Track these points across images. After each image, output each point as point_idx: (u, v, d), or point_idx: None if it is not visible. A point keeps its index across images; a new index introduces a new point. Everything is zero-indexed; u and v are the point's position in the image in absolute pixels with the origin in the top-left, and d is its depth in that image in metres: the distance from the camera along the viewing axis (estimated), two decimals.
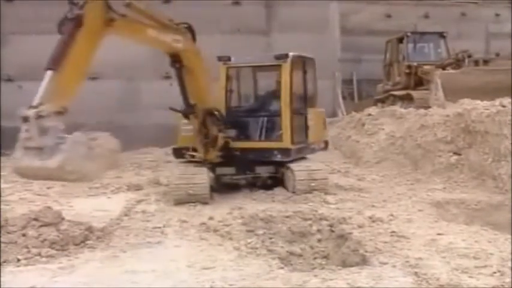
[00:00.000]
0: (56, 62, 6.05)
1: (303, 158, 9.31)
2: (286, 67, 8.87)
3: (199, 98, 8.48)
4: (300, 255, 5.64)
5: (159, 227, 6.77)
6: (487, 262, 5.11)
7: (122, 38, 7.22)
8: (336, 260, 5.42)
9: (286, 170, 8.97)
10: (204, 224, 6.80)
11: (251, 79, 10.23)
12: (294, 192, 8.59)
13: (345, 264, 5.22)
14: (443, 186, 9.54)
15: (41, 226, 5.92)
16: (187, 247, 5.93)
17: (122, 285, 4.76)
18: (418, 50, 17.19)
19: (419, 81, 15.98)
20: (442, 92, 13.13)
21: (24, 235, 5.77)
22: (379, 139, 12.68)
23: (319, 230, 6.30)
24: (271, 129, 9.07)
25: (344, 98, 19.19)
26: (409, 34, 17.04)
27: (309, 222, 6.63)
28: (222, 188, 9.10)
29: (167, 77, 8.42)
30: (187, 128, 8.95)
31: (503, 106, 9.61)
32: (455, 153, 10.51)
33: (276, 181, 9.20)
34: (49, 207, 6.45)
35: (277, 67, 9.02)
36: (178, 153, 9.28)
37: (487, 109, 9.87)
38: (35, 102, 5.77)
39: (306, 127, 9.29)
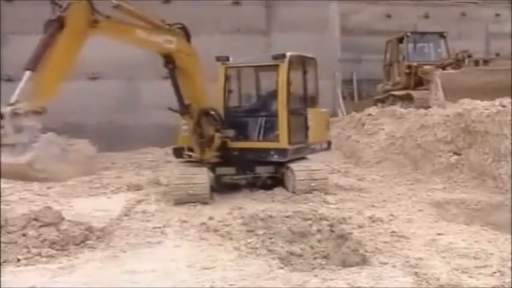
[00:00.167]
0: (34, 63, 6.07)
1: (303, 158, 9.30)
2: (283, 67, 8.87)
3: (194, 98, 8.50)
4: (300, 255, 5.64)
5: (159, 227, 6.77)
6: (487, 262, 5.11)
7: (108, 38, 7.25)
8: (336, 260, 5.42)
9: (286, 170, 8.97)
10: (204, 224, 6.80)
11: (250, 79, 10.23)
12: (294, 192, 8.59)
13: (345, 264, 5.22)
14: (443, 186, 9.54)
15: (41, 226, 5.92)
16: (187, 247, 5.93)
17: (122, 285, 4.76)
18: (418, 50, 17.19)
19: (419, 81, 15.97)
20: (442, 92, 13.13)
21: (24, 235, 5.77)
22: (379, 139, 12.68)
23: (319, 230, 6.30)
24: (268, 129, 9.07)
25: (344, 98, 19.18)
26: (409, 34, 17.04)
27: (309, 222, 6.63)
28: (222, 188, 9.10)
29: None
30: (187, 128, 8.95)
31: (503, 106, 9.60)
32: (455, 153, 10.51)
33: (276, 181, 9.20)
34: (49, 207, 6.46)
35: (275, 67, 9.02)
36: (179, 153, 9.29)
37: (487, 109, 9.87)
38: (12, 100, 5.80)
39: (306, 127, 9.28)
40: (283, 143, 8.77)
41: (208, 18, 16.73)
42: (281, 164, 9.03)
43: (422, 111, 12.48)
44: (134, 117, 16.75)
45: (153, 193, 9.17)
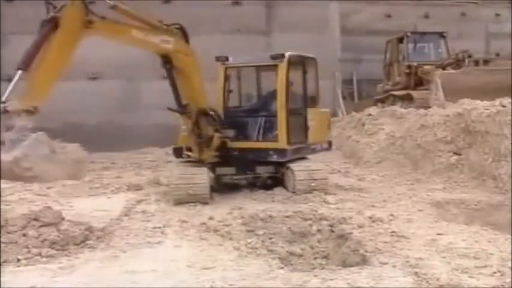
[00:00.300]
0: (26, 62, 6.09)
1: (303, 158, 9.30)
2: (282, 67, 8.86)
3: (192, 98, 8.51)
4: (300, 255, 5.63)
5: (159, 227, 6.77)
6: (487, 262, 5.11)
7: (104, 39, 7.28)
8: (336, 260, 5.42)
9: (286, 170, 8.97)
10: (204, 224, 6.80)
11: (249, 79, 10.22)
12: (294, 192, 8.59)
13: (345, 264, 5.22)
14: (443, 186, 9.54)
15: (41, 226, 5.92)
16: (187, 247, 5.93)
17: (122, 285, 4.76)
18: (418, 50, 17.19)
19: (419, 81, 15.97)
20: (442, 92, 13.13)
21: (24, 235, 5.77)
22: (379, 139, 12.68)
23: (319, 230, 6.30)
24: (268, 129, 9.07)
25: (344, 98, 19.19)
26: (409, 34, 17.04)
27: (309, 222, 6.63)
28: (222, 188, 9.10)
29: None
30: (186, 128, 8.96)
31: (503, 106, 9.60)
32: (455, 153, 10.51)
33: (276, 181, 9.20)
34: (49, 207, 6.46)
35: (274, 67, 9.01)
36: (179, 152, 9.31)
37: (487, 109, 9.87)
38: (3, 98, 5.83)
39: (306, 127, 9.27)
40: (282, 143, 8.77)
41: (208, 18, 16.74)
42: (281, 164, 9.03)
43: (422, 111, 12.48)
44: (134, 117, 16.76)
45: (153, 193, 9.17)
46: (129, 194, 9.21)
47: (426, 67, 15.62)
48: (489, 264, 5.03)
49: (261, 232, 6.31)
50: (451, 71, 14.54)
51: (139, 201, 8.49)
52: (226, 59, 9.45)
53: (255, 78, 10.17)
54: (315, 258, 5.58)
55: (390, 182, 10.18)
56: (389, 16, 22.03)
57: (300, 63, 9.34)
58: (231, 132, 9.01)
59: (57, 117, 15.14)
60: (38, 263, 5.37)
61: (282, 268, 5.15)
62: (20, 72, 6.03)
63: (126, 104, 17.04)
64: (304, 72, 9.36)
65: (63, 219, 6.24)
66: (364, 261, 5.24)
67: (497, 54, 18.10)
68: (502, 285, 4.54)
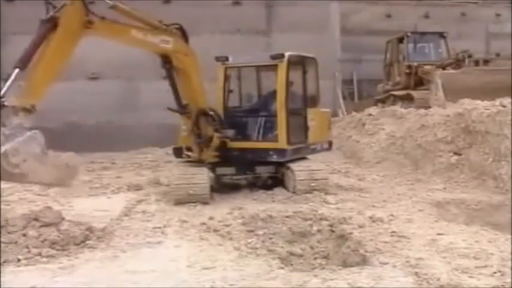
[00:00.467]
0: (24, 61, 6.10)
1: (303, 158, 9.30)
2: (282, 67, 8.86)
3: (192, 98, 8.52)
4: (300, 255, 5.63)
5: (159, 227, 6.76)
6: (487, 262, 5.10)
7: (103, 39, 7.29)
8: (336, 260, 5.41)
9: (286, 170, 8.97)
10: (204, 224, 6.80)
11: (249, 79, 10.22)
12: (294, 192, 8.58)
13: (345, 264, 5.21)
14: (443, 186, 9.54)
15: (42, 226, 5.92)
16: (187, 247, 5.92)
17: (122, 285, 4.76)
18: (419, 50, 17.19)
19: (419, 81, 15.97)
20: (443, 92, 13.13)
21: (24, 235, 5.76)
22: (379, 139, 12.68)
23: (319, 230, 6.29)
24: (268, 129, 9.07)
25: (344, 98, 19.17)
26: (409, 34, 17.04)
27: (309, 222, 6.62)
28: (222, 188, 9.11)
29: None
30: (186, 128, 8.96)
31: (504, 106, 9.61)
32: (455, 153, 10.51)
33: (276, 181, 9.20)
34: (49, 207, 6.46)
35: (274, 67, 9.01)
36: (179, 152, 9.31)
37: (488, 109, 9.87)
38: (1, 93, 5.87)
39: (306, 127, 9.27)
40: (282, 143, 8.76)
41: (208, 18, 16.74)
42: (281, 164, 9.03)
43: (422, 111, 12.48)
44: (134, 117, 16.76)
45: (153, 193, 9.17)
46: (129, 194, 9.21)
47: (426, 67, 15.62)
48: (489, 264, 5.02)
49: (261, 232, 6.31)
50: (452, 71, 14.54)
51: (139, 201, 8.49)
52: (226, 59, 9.45)
53: (255, 78, 10.17)
54: (315, 258, 5.57)
55: (390, 182, 10.17)
56: (389, 16, 22.03)
57: (300, 63, 9.34)
58: (231, 132, 9.01)
59: (57, 117, 15.17)
60: (38, 263, 5.37)
61: (282, 268, 5.14)
62: (17, 70, 6.03)
63: (126, 104, 17.04)
64: (304, 72, 9.35)
65: (63, 219, 6.23)
66: (364, 261, 5.23)
67: (498, 55, 18.09)
68: (502, 285, 4.53)
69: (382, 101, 17.03)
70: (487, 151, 9.53)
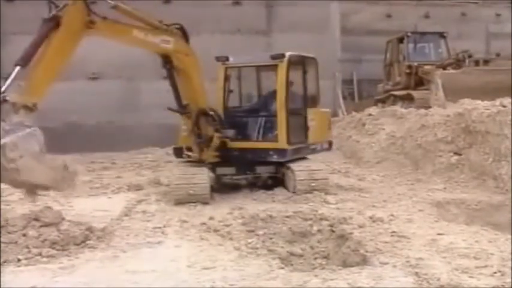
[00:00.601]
0: (25, 59, 6.10)
1: (304, 158, 9.30)
2: (282, 67, 8.86)
3: (192, 98, 8.52)
4: (301, 256, 5.63)
5: (160, 227, 6.76)
6: (487, 262, 5.10)
7: (105, 39, 7.30)
8: (337, 260, 5.41)
9: (286, 170, 8.96)
10: (204, 224, 6.80)
11: (249, 79, 10.22)
12: (294, 192, 8.58)
13: (345, 264, 5.21)
14: (443, 186, 9.54)
15: (42, 226, 5.92)
16: (187, 247, 5.92)
17: (122, 285, 4.76)
18: (419, 50, 17.20)
19: (419, 81, 15.97)
20: (443, 92, 13.13)
21: (24, 235, 5.76)
22: (379, 139, 12.68)
23: (319, 230, 6.29)
24: (268, 129, 9.07)
25: (344, 98, 19.18)
26: (409, 34, 17.05)
27: (310, 222, 6.62)
28: (222, 188, 9.11)
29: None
30: (187, 128, 8.96)
31: (504, 106, 9.61)
32: (455, 153, 10.51)
33: (277, 181, 9.20)
34: (49, 207, 6.45)
35: (274, 67, 9.01)
36: (179, 152, 9.31)
37: (488, 109, 9.87)
38: (2, 89, 5.88)
39: (306, 127, 9.27)
40: (282, 143, 8.76)
41: (209, 18, 16.74)
42: (281, 164, 9.03)
43: (422, 111, 12.48)
44: (134, 117, 16.76)
45: (154, 193, 9.17)
46: (130, 194, 9.21)
47: (426, 67, 15.62)
48: (489, 264, 5.02)
49: (261, 232, 6.31)
50: (452, 71, 14.54)
51: (139, 201, 8.49)
52: (227, 59, 9.45)
53: (255, 78, 10.16)
54: (315, 258, 5.57)
55: (391, 182, 10.17)
56: (389, 16, 22.03)
57: (300, 63, 9.34)
58: (231, 132, 9.01)
59: (57, 117, 15.16)
60: (38, 263, 5.37)
61: (282, 268, 5.14)
62: (18, 68, 6.04)
63: (127, 104, 17.05)
64: (305, 72, 9.35)
65: (63, 219, 6.23)
66: (364, 261, 5.23)
67: (498, 55, 18.10)
68: (503, 285, 4.53)
69: (382, 101, 17.03)
70: (487, 151, 9.53)
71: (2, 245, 5.56)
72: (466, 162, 10.11)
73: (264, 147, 8.90)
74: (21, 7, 15.72)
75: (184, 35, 8.24)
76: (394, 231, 6.29)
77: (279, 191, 8.82)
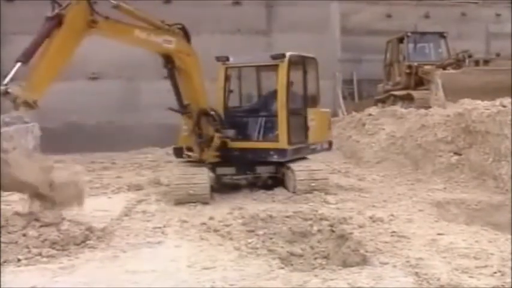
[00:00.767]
0: (26, 56, 6.11)
1: (304, 158, 9.30)
2: (283, 67, 8.86)
3: (193, 98, 8.53)
4: (301, 256, 5.64)
5: (160, 227, 6.76)
6: (487, 262, 5.10)
7: (107, 38, 7.31)
8: (337, 260, 5.42)
9: (286, 170, 8.97)
10: (204, 224, 6.80)
11: (250, 79, 10.22)
12: (294, 192, 8.58)
13: (345, 264, 5.21)
14: (443, 186, 9.54)
15: (42, 226, 5.91)
16: (187, 247, 5.92)
17: (122, 285, 4.76)
18: (419, 50, 17.19)
19: (419, 81, 15.97)
20: (443, 92, 13.13)
21: (24, 235, 5.75)
22: (379, 139, 12.68)
23: (319, 230, 6.30)
24: (268, 129, 9.07)
25: (344, 98, 19.18)
26: (409, 34, 17.04)
27: (310, 222, 6.63)
28: (222, 188, 9.11)
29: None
30: (187, 128, 8.96)
31: (504, 106, 9.61)
32: (455, 153, 10.51)
33: (277, 181, 9.20)
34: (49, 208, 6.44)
35: (275, 67, 9.01)
36: (179, 152, 9.31)
37: (488, 109, 9.87)
38: (4, 82, 5.88)
39: (306, 127, 9.27)
40: (282, 143, 8.76)
41: (209, 18, 16.74)
42: (281, 164, 9.03)
43: (422, 111, 12.48)
44: (134, 117, 16.76)
45: (154, 193, 9.17)
46: (130, 194, 9.21)
47: (426, 67, 15.62)
48: (489, 264, 5.02)
49: (261, 232, 6.32)
50: (452, 71, 14.53)
51: (139, 201, 8.49)
52: (227, 59, 9.46)
53: (256, 78, 10.17)
54: (316, 258, 5.58)
55: (391, 182, 10.17)
56: (389, 16, 22.02)
57: (301, 63, 9.34)
58: (231, 132, 9.01)
59: (57, 117, 15.17)
60: (38, 263, 5.36)
61: (282, 268, 5.15)
62: (19, 64, 6.05)
63: (127, 104, 17.05)
64: (305, 72, 9.35)
65: (63, 219, 6.22)
66: (364, 261, 5.24)
67: (498, 55, 18.11)
68: (503, 286, 4.53)
69: (382, 101, 17.03)
70: (487, 151, 9.53)
71: (2, 245, 5.55)
72: (466, 162, 10.11)
73: (265, 147, 8.90)
74: (21, 7, 15.72)
75: (186, 35, 8.25)
76: (394, 231, 6.29)
77: (279, 191, 8.82)
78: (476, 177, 9.59)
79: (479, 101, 10.76)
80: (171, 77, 8.26)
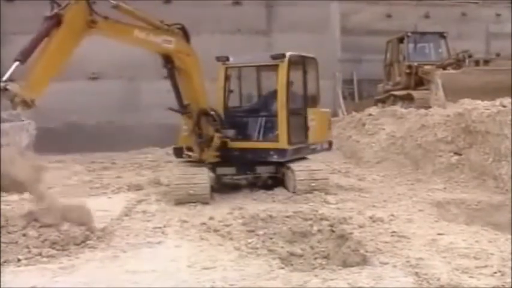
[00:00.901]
0: (24, 55, 6.11)
1: (304, 158, 9.30)
2: (283, 67, 8.86)
3: (193, 98, 8.53)
4: (301, 256, 5.63)
5: (160, 227, 6.77)
6: (487, 262, 5.11)
7: (106, 38, 7.32)
8: (337, 260, 5.41)
9: (286, 170, 8.97)
10: (204, 224, 6.80)
11: (250, 79, 10.22)
12: (294, 192, 8.58)
13: (345, 264, 5.21)
14: (443, 186, 9.54)
15: (42, 226, 5.91)
16: (187, 247, 5.92)
17: (122, 285, 4.76)
18: (419, 50, 17.19)
19: (419, 81, 15.96)
20: (443, 92, 13.12)
21: (24, 235, 5.76)
22: (379, 139, 12.68)
23: (319, 230, 6.29)
24: (268, 129, 9.07)
25: (344, 98, 19.18)
26: (409, 34, 17.03)
27: (310, 222, 6.63)
28: (222, 188, 9.11)
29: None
30: (187, 128, 8.96)
31: (504, 106, 9.61)
32: (455, 153, 10.51)
33: (277, 181, 9.20)
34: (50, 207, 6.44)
35: (275, 67, 9.01)
36: (179, 152, 9.31)
37: (488, 109, 9.87)
38: (3, 78, 5.90)
39: (306, 127, 9.27)
40: (282, 143, 8.77)
41: (209, 18, 16.75)
42: (281, 164, 9.03)
43: (422, 111, 12.48)
44: (135, 117, 16.77)
45: (154, 193, 9.17)
46: (130, 194, 9.21)
47: (426, 67, 15.61)
48: (489, 264, 5.03)
49: (261, 232, 6.32)
50: (452, 71, 14.53)
51: (139, 201, 8.49)
52: (227, 59, 9.46)
53: (256, 78, 10.16)
54: (316, 258, 5.58)
55: (391, 182, 10.17)
56: (389, 16, 22.02)
57: (301, 63, 9.34)
58: (231, 132, 9.01)
59: (57, 117, 15.19)
60: (38, 263, 5.37)
61: (282, 268, 5.15)
62: (17, 63, 6.05)
63: (127, 104, 17.05)
64: (305, 72, 9.35)
65: (63, 219, 6.23)
66: (364, 261, 5.23)
67: (498, 55, 18.10)
68: (503, 285, 4.54)
69: (382, 101, 17.02)
70: (487, 151, 9.53)
71: (2, 245, 5.55)
72: (466, 162, 10.11)
73: (265, 147, 8.90)
74: (21, 7, 15.73)
75: (186, 35, 8.25)
76: (394, 231, 6.29)
77: (279, 191, 8.82)
78: (476, 177, 9.59)
79: (479, 101, 10.76)
80: (171, 77, 8.26)
